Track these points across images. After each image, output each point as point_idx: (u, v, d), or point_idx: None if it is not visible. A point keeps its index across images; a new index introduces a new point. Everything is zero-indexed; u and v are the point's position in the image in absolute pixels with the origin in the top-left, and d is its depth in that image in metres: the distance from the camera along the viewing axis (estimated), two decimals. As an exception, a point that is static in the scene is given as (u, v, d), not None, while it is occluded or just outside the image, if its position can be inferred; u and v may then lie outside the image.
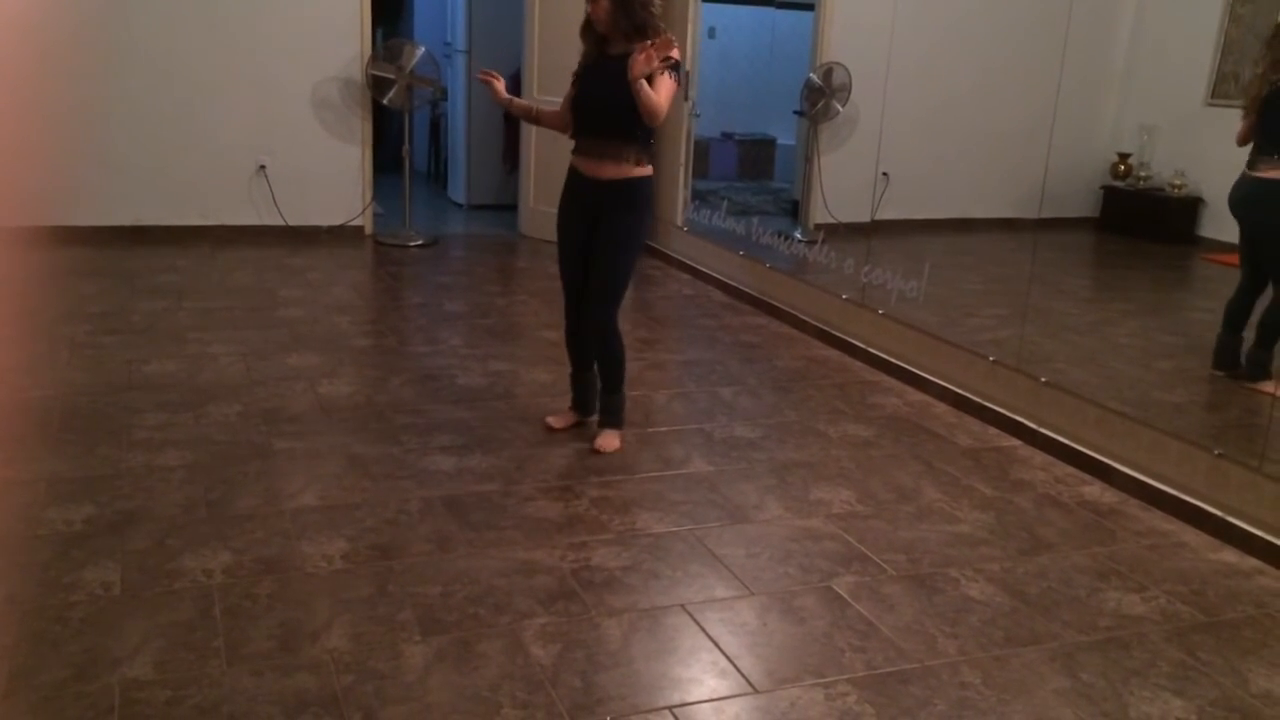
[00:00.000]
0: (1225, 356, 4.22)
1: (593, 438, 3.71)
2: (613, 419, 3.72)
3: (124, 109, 6.18)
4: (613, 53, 3.45)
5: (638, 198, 3.51)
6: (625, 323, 5.46)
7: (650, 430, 3.90)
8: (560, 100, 3.65)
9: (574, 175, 3.59)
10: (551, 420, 3.84)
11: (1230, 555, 3.16)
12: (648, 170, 3.53)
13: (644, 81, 3.25)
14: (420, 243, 6.84)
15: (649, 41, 3.28)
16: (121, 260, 5.94)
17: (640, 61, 3.23)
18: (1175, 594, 2.91)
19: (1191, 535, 3.29)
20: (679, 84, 3.40)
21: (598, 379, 3.76)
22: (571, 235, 3.61)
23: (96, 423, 3.66)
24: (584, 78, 3.53)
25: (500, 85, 3.66)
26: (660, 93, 3.31)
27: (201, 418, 3.75)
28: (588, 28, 3.48)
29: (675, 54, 3.31)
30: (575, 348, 3.78)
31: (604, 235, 3.53)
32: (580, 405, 3.85)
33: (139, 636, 2.42)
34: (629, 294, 3.79)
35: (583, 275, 3.63)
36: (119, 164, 6.22)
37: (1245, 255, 4.19)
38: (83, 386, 4.00)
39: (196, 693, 2.23)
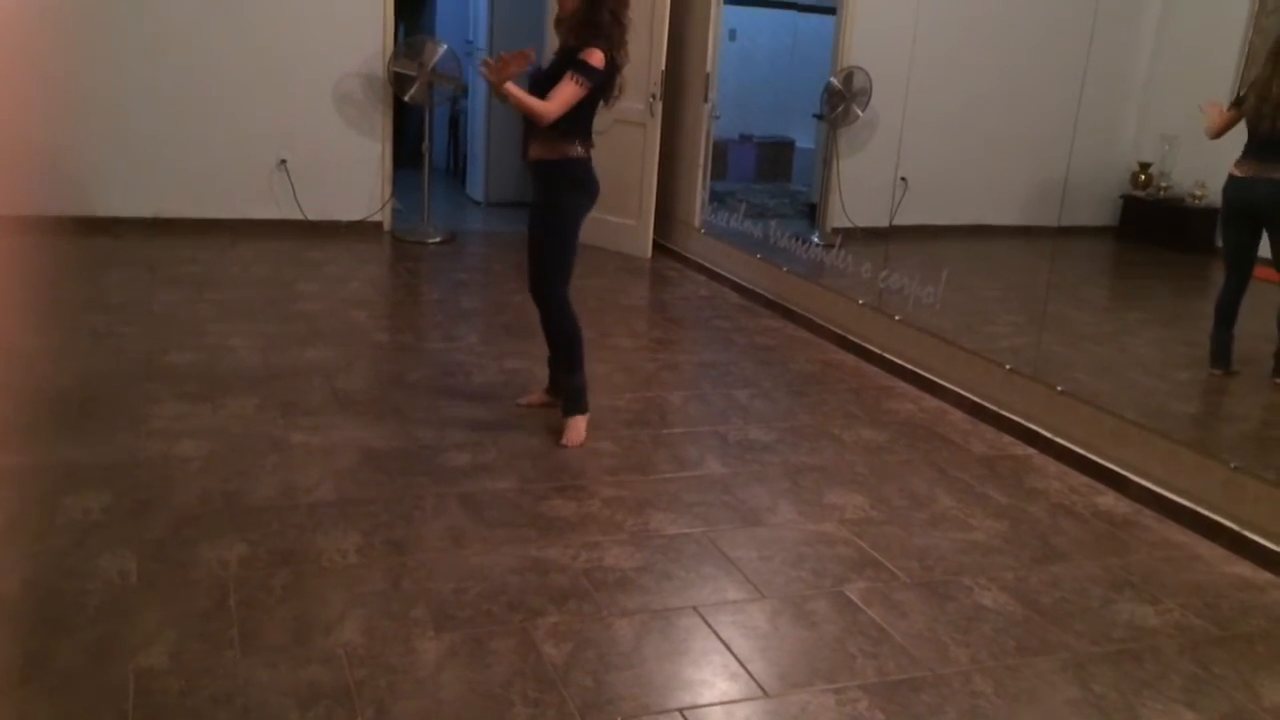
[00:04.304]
0: (1223, 355, 4.32)
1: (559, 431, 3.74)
2: (572, 404, 3.75)
3: (147, 102, 6.22)
4: (565, 46, 3.59)
5: (562, 178, 3.61)
6: (641, 322, 5.49)
7: (665, 431, 3.91)
8: None
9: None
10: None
11: (1245, 568, 3.15)
12: (570, 152, 3.58)
13: (513, 88, 3.40)
14: (438, 239, 6.86)
15: (576, 46, 3.46)
16: (142, 251, 5.97)
17: (492, 68, 3.36)
18: (1189, 606, 2.90)
19: (1206, 548, 3.27)
20: (586, 86, 3.45)
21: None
22: (529, 228, 3.79)
23: (115, 412, 3.68)
24: None
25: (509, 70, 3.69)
26: (554, 96, 3.43)
27: (219, 409, 3.78)
28: (558, 20, 3.63)
29: (593, 60, 3.43)
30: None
31: (537, 215, 3.71)
32: (551, 387, 3.98)
33: (154, 625, 2.44)
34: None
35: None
36: (141, 156, 6.26)
37: (1242, 254, 4.27)
38: (102, 375, 4.03)
39: (211, 683, 2.25)
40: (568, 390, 3.76)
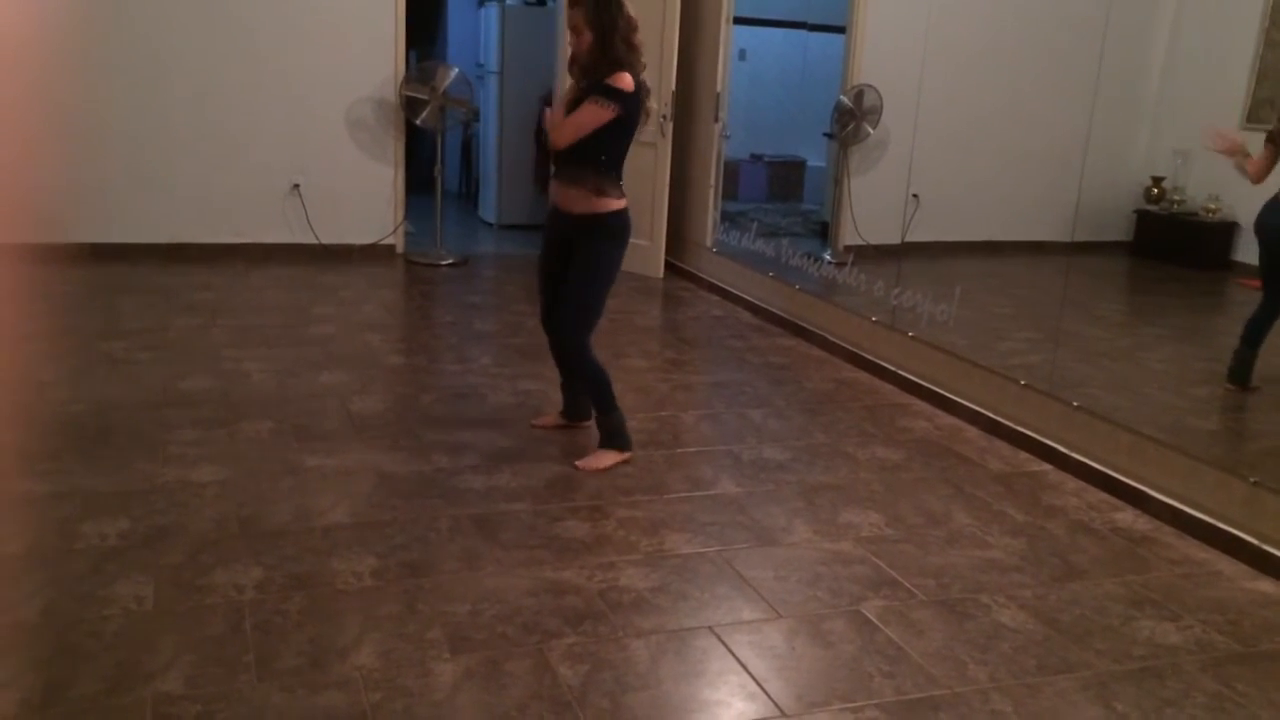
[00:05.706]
0: (1242, 371, 4.29)
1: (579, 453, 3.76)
2: (609, 440, 3.74)
3: (160, 129, 6.28)
4: (581, 85, 3.53)
5: (605, 232, 3.57)
6: (654, 342, 5.49)
7: (679, 451, 3.90)
8: None
9: (552, 204, 3.73)
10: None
11: (1267, 585, 3.12)
12: (615, 204, 3.56)
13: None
14: (451, 262, 6.89)
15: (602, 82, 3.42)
16: (158, 277, 6.02)
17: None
18: (1211, 624, 2.87)
19: (1227, 564, 3.24)
20: (612, 110, 3.41)
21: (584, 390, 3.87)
22: (546, 261, 3.75)
23: (132, 438, 3.70)
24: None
25: None
26: (576, 116, 3.43)
27: (235, 434, 3.79)
28: (574, 61, 3.57)
29: (620, 84, 3.39)
30: (555, 358, 3.86)
31: (574, 264, 3.62)
32: (565, 410, 4.00)
33: (171, 651, 2.44)
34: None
35: (552, 297, 3.74)
36: (156, 183, 6.32)
37: (1276, 278, 4.23)
38: (119, 402, 4.05)
39: (226, 708, 2.25)
40: (608, 428, 3.73)
